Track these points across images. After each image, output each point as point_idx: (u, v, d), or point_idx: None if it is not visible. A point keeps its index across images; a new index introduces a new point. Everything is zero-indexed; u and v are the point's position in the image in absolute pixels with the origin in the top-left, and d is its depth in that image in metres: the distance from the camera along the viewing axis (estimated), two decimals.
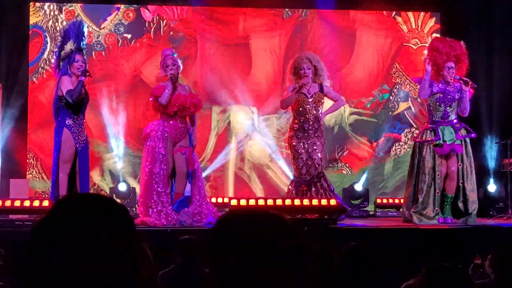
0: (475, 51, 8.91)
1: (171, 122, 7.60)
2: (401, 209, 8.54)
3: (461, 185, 7.95)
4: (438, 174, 7.91)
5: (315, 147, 8.02)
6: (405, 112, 11.26)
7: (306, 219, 7.35)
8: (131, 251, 1.36)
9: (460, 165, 7.94)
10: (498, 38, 10.91)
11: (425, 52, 8.20)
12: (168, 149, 7.58)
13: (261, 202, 7.41)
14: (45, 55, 10.63)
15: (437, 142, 7.91)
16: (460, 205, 7.97)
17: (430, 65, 7.95)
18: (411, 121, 11.18)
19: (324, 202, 7.43)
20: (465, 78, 7.95)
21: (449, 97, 7.96)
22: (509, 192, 9.30)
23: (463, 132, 8.01)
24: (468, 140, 8.04)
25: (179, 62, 7.74)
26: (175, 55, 7.81)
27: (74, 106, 7.38)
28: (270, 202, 7.37)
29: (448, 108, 7.97)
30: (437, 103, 7.98)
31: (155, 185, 7.47)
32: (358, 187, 10.50)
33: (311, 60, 8.09)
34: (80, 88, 7.28)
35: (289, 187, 8.30)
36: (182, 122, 7.66)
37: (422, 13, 11.43)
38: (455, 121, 8.02)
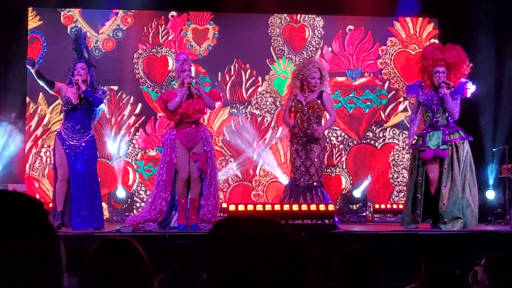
0: (474, 56, 8.89)
1: (181, 129, 7.69)
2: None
3: (443, 187, 7.92)
4: (419, 179, 7.97)
5: (309, 155, 7.95)
6: (404, 117, 11.25)
7: (304, 224, 7.34)
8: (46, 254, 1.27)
9: (445, 168, 7.92)
10: (498, 43, 10.88)
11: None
12: (182, 156, 7.67)
13: (259, 207, 7.42)
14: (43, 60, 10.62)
15: (421, 148, 8.00)
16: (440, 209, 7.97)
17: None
18: (409, 126, 11.16)
19: (322, 207, 7.42)
20: (447, 81, 7.95)
21: (435, 102, 7.98)
22: (507, 198, 9.28)
23: (455, 136, 7.98)
24: (464, 144, 7.99)
25: (190, 67, 7.74)
26: (186, 59, 7.80)
27: (66, 111, 7.64)
28: (268, 207, 7.38)
29: (437, 113, 7.99)
30: (425, 110, 8.11)
31: (161, 192, 7.69)
32: (357, 193, 10.44)
33: (320, 69, 8.10)
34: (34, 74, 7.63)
35: (285, 190, 8.27)
36: (193, 127, 7.71)
37: (420, 19, 11.43)
38: (447, 125, 8.01)
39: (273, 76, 11.09)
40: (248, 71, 11.04)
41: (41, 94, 10.43)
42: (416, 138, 8.24)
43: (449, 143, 7.92)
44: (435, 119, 8.00)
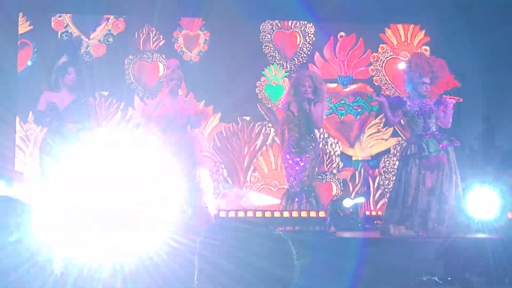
0: (464, 64, 8.92)
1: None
2: (383, 222, 8.30)
3: (445, 193, 7.92)
4: (421, 188, 7.92)
5: (301, 163, 7.96)
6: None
7: (295, 230, 7.34)
8: None
9: (446, 174, 7.93)
10: (489, 51, 10.90)
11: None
12: None
13: (249, 214, 7.41)
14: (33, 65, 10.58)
15: (424, 154, 7.93)
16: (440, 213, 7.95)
17: (383, 99, 8.20)
18: (400, 132, 11.19)
19: (312, 214, 7.43)
20: (452, 96, 8.03)
21: (427, 109, 8.04)
22: None
23: (445, 142, 8.03)
24: (450, 150, 8.04)
25: (178, 76, 8.06)
26: (176, 67, 8.14)
27: (51, 117, 7.57)
28: (258, 214, 7.37)
29: (428, 119, 8.04)
30: (416, 117, 8.06)
31: None
32: (347, 204, 10.28)
33: (313, 79, 7.99)
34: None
35: (282, 198, 8.30)
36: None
37: (411, 26, 11.46)
38: (436, 132, 8.06)
39: (264, 82, 11.09)
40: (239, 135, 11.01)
41: (30, 112, 10.38)
42: (408, 147, 8.15)
43: (444, 148, 7.96)
44: (428, 126, 8.03)
